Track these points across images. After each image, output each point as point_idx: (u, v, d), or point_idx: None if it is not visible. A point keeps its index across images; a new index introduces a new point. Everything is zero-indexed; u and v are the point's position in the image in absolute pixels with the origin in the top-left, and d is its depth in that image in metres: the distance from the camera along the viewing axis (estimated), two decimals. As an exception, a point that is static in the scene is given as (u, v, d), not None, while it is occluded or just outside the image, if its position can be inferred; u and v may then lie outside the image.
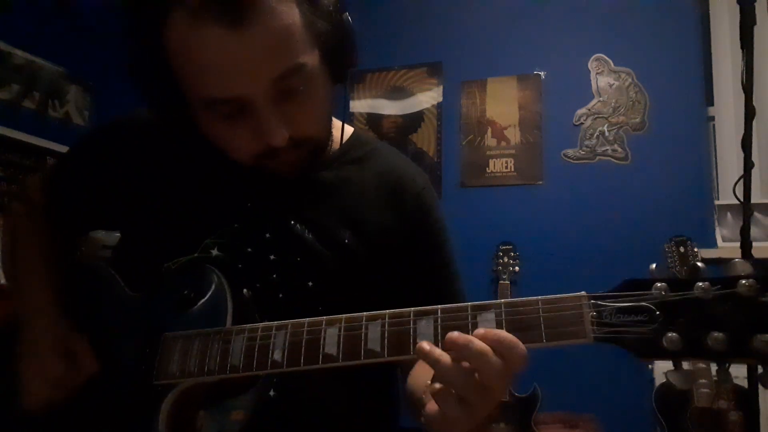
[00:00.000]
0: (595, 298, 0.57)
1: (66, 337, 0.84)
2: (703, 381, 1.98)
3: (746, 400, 1.65)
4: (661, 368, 2.31)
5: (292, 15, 0.70)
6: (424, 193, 0.92)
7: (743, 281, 0.51)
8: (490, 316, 0.61)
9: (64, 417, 0.81)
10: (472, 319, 0.61)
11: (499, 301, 0.61)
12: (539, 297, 0.59)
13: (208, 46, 0.67)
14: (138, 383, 0.77)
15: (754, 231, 1.59)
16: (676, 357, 0.54)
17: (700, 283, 0.53)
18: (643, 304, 0.55)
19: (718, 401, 1.95)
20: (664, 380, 2.20)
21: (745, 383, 1.61)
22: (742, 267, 0.52)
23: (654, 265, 0.57)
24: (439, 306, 0.63)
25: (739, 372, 1.70)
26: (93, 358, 0.82)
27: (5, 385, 0.84)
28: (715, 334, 0.51)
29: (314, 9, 0.73)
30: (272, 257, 0.84)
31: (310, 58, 0.74)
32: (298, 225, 0.85)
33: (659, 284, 0.55)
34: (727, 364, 0.54)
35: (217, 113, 0.73)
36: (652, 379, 2.30)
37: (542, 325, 0.58)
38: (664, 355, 0.53)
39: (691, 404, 1.99)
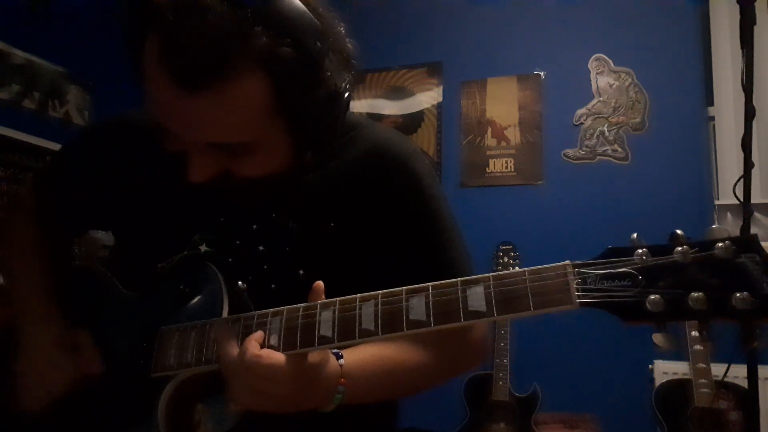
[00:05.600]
0: (579, 266, 0.59)
1: (68, 332, 0.84)
2: (703, 381, 1.98)
3: (746, 400, 1.65)
4: (661, 368, 2.31)
5: (257, 90, 0.65)
6: (412, 161, 0.88)
7: (720, 244, 0.54)
8: (479, 289, 0.62)
9: (64, 413, 0.82)
10: (462, 294, 0.63)
11: (487, 275, 0.63)
12: (526, 268, 0.61)
13: (158, 87, 0.66)
14: (136, 377, 0.77)
15: (754, 231, 1.59)
16: (659, 318, 0.56)
17: (679, 248, 0.55)
18: (626, 269, 0.57)
19: (718, 401, 1.95)
20: (664, 380, 2.20)
21: (745, 383, 1.61)
22: (719, 232, 0.55)
23: (635, 234, 0.59)
24: (430, 283, 0.65)
25: (739, 372, 1.70)
26: (97, 354, 0.82)
27: (5, 384, 0.84)
28: (695, 294, 0.54)
29: (296, 82, 0.67)
30: (261, 248, 0.84)
31: (264, 135, 0.70)
32: (282, 215, 0.84)
33: (640, 250, 0.57)
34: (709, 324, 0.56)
35: None
36: (652, 379, 2.31)
37: (529, 295, 0.60)
38: (648, 317, 0.55)
39: (691, 404, 1.98)
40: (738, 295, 0.52)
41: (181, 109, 0.66)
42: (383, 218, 0.85)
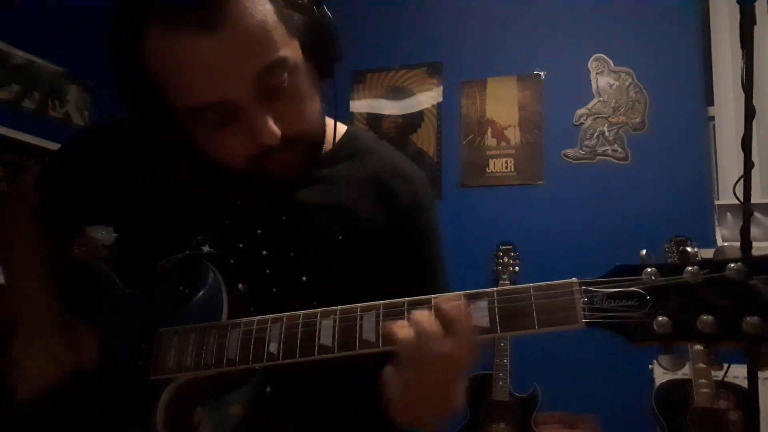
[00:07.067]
0: (586, 284, 0.58)
1: (68, 323, 0.84)
2: (703, 381, 1.97)
3: (746, 400, 1.65)
4: (661, 368, 2.31)
5: (266, 11, 0.70)
6: (421, 193, 0.91)
7: (732, 265, 0.52)
8: (483, 304, 0.61)
9: (62, 413, 0.81)
10: (465, 308, 0.62)
11: (491, 289, 0.62)
12: (531, 284, 0.60)
13: (186, 53, 0.67)
14: (135, 379, 0.77)
15: (754, 231, 1.59)
16: (666, 340, 0.54)
17: (690, 268, 0.54)
18: (634, 289, 0.55)
19: (718, 401, 1.95)
20: (664, 380, 2.20)
21: (745, 383, 1.61)
22: (731, 251, 0.53)
23: (644, 251, 0.57)
24: (433, 296, 0.64)
25: (739, 372, 1.70)
26: (94, 345, 0.82)
27: (2, 380, 0.84)
28: (705, 317, 0.52)
29: (288, 3, 0.73)
30: (264, 252, 0.84)
31: (291, 51, 0.73)
32: (289, 221, 0.85)
33: (649, 269, 0.55)
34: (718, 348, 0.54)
35: (205, 121, 0.73)
36: (652, 379, 2.31)
37: (534, 312, 0.59)
38: (655, 339, 0.54)
39: (691, 404, 1.98)
40: (748, 319, 0.50)
41: (215, 56, 0.67)
42: (387, 239, 0.86)
